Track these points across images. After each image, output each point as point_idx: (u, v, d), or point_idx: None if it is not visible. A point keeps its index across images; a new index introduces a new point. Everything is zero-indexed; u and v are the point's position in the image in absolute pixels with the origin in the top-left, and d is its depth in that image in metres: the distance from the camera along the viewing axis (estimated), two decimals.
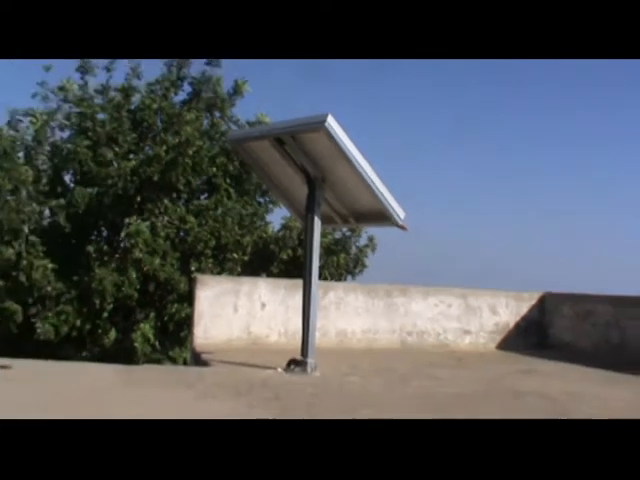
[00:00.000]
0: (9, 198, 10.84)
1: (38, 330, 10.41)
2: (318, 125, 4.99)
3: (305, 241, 5.54)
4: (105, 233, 12.05)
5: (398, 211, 5.23)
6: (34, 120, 11.67)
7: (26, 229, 10.87)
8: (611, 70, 25.63)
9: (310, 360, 5.30)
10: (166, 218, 11.30)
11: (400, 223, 5.30)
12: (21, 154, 11.57)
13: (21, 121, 11.77)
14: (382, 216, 5.33)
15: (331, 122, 4.92)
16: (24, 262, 10.69)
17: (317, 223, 5.35)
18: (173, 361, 10.74)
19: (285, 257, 11.49)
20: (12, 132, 11.61)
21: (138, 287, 10.83)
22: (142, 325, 10.78)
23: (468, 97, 29.05)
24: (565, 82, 27.44)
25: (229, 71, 12.50)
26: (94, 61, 11.97)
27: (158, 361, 10.42)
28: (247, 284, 7.37)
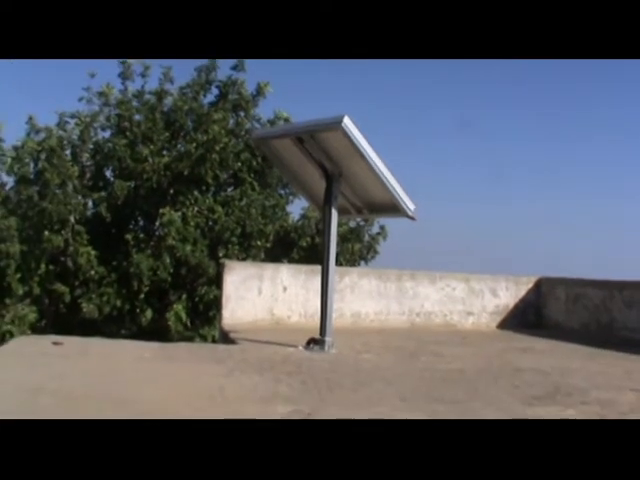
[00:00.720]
0: (57, 191, 10.93)
1: (84, 309, 10.52)
2: (335, 125, 4.95)
3: (323, 231, 5.53)
4: (141, 222, 12.13)
5: (408, 203, 5.21)
6: (79, 121, 11.76)
7: (72, 219, 10.97)
8: (612, 67, 25.25)
9: (328, 339, 5.30)
10: (196, 209, 11.34)
11: (410, 214, 5.28)
12: (68, 152, 11.68)
13: (68, 122, 11.88)
14: (394, 208, 5.30)
15: (347, 122, 4.89)
16: (71, 249, 10.81)
17: (334, 214, 5.33)
18: (203, 338, 10.81)
19: (304, 244, 11.55)
20: (61, 132, 11.70)
21: (171, 271, 10.91)
22: (175, 306, 10.86)
23: (469, 93, 28.72)
24: (565, 77, 27.06)
25: (252, 74, 12.49)
26: (133, 67, 12.04)
27: (190, 338, 10.49)
28: (270, 269, 7.38)
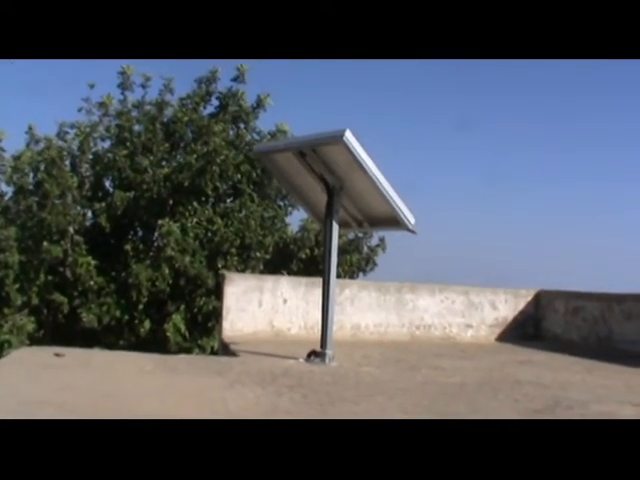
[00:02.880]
0: (57, 202, 10.95)
1: (84, 319, 10.53)
2: (337, 139, 5.00)
3: (324, 244, 5.58)
4: (140, 233, 12.13)
5: (409, 217, 5.25)
6: (79, 132, 11.79)
7: (71, 230, 10.99)
8: (613, 72, 25.33)
9: (328, 351, 5.34)
10: (195, 220, 11.36)
11: (411, 228, 5.33)
12: (67, 162, 11.69)
13: (68, 133, 11.91)
14: (394, 221, 5.34)
15: (349, 136, 4.94)
16: (70, 259, 10.83)
17: (335, 228, 5.38)
18: (202, 349, 10.82)
19: (303, 256, 11.58)
20: (60, 143, 11.74)
21: (170, 282, 10.91)
22: (174, 316, 10.86)
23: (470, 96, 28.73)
24: (568, 83, 27.09)
25: (253, 86, 12.56)
26: (132, 78, 12.11)
27: (188, 349, 10.50)
28: (271, 281, 7.41)
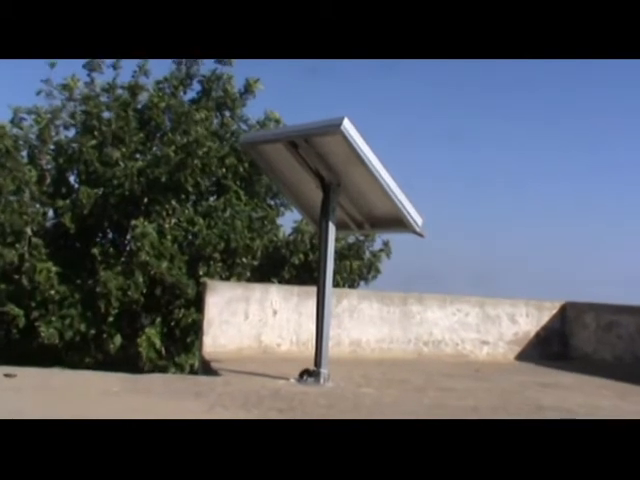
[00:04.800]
0: (12, 199, 10.96)
1: (42, 334, 10.50)
2: (334, 128, 5.00)
3: (319, 248, 5.58)
4: (110, 235, 12.18)
5: (415, 217, 5.25)
6: (38, 118, 11.80)
7: (29, 231, 11.00)
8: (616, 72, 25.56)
9: (323, 370, 5.33)
10: (174, 220, 11.39)
11: (417, 230, 5.32)
12: (24, 153, 11.71)
13: (25, 119, 11.92)
14: (399, 222, 5.35)
15: (347, 125, 4.94)
16: (27, 265, 10.83)
17: (332, 230, 5.38)
18: (179, 367, 10.82)
19: (296, 262, 11.58)
20: (15, 130, 11.73)
21: (144, 291, 10.92)
22: (148, 330, 10.85)
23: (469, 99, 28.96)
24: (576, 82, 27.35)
25: (240, 69, 12.61)
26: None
27: (164, 368, 10.50)
28: (258, 290, 7.41)
